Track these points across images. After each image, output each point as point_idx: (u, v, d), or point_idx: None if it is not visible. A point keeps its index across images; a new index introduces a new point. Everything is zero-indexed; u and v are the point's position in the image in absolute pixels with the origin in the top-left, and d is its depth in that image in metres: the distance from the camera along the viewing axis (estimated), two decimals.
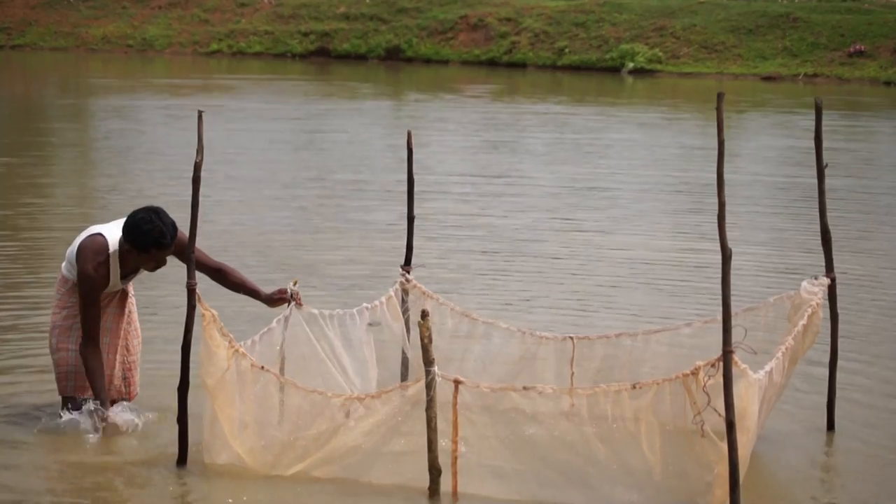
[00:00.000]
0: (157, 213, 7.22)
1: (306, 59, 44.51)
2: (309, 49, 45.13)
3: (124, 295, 7.63)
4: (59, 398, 7.52)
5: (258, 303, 7.56)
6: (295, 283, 7.43)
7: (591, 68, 41.30)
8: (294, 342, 7.28)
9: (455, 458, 6.43)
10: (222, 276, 7.49)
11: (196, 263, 7.02)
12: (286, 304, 7.40)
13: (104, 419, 7.31)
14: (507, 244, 13.58)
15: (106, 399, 7.35)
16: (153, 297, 10.15)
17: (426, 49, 44.13)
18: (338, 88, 35.38)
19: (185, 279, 6.78)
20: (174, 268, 7.72)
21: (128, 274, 7.46)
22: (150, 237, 7.17)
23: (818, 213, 7.48)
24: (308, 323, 7.33)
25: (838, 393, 7.74)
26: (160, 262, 7.35)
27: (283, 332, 7.28)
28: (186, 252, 6.88)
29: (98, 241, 7.31)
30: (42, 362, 8.30)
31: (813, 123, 7.38)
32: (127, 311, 7.64)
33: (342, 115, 27.62)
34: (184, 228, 7.04)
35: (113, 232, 7.33)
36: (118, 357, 7.56)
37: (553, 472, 6.50)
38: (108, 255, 7.29)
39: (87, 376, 7.34)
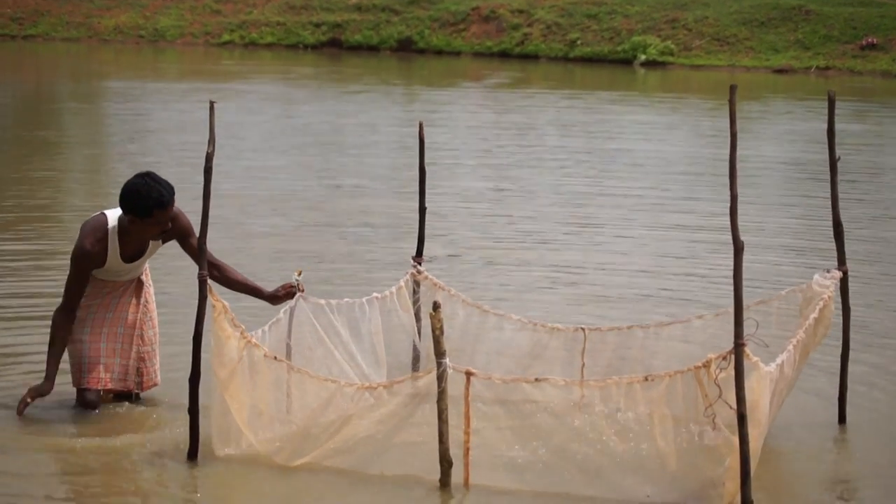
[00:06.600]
0: (150, 175, 7.23)
1: (318, 50, 44.46)
2: (321, 40, 45.05)
3: (139, 284, 7.64)
4: (66, 389, 7.53)
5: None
6: (299, 274, 7.40)
7: (603, 60, 41.19)
8: (301, 332, 7.28)
9: (467, 450, 6.42)
10: (221, 272, 7.47)
11: (196, 255, 7.03)
12: (291, 298, 7.38)
13: (31, 396, 7.30)
14: (522, 232, 13.57)
15: (52, 374, 7.34)
16: (162, 287, 10.14)
17: (438, 40, 44.04)
18: (349, 77, 35.34)
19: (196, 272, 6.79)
20: (182, 261, 7.71)
21: (132, 256, 7.43)
22: (151, 199, 7.14)
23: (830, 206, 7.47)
24: (315, 313, 7.32)
25: (850, 386, 7.72)
26: (163, 226, 7.27)
27: (289, 323, 7.26)
28: (198, 242, 6.86)
29: (98, 218, 7.35)
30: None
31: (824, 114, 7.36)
32: (143, 301, 7.65)
33: (352, 104, 27.59)
34: (195, 218, 7.04)
35: (115, 211, 7.35)
36: (133, 347, 7.58)
37: (565, 463, 6.50)
38: (106, 232, 7.29)
39: (49, 342, 7.37)
